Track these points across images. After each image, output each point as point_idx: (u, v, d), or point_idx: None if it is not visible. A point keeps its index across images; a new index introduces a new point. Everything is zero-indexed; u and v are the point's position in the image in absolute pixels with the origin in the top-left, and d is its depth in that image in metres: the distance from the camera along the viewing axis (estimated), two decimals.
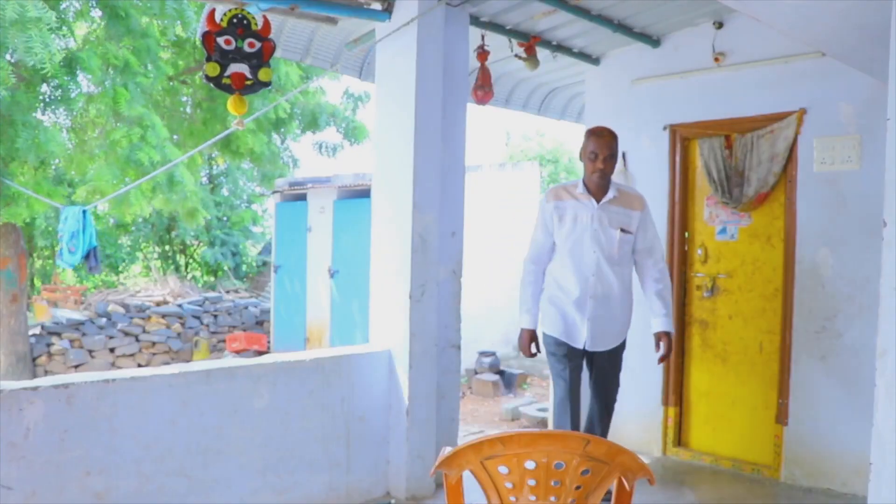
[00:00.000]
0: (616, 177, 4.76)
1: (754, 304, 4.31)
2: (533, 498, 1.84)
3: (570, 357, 3.38)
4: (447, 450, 1.91)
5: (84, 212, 6.36)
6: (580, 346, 3.37)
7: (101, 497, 2.70)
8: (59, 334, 9.58)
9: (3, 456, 2.48)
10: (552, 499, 1.83)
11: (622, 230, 3.35)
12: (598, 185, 3.36)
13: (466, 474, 1.93)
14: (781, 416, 4.11)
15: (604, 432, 3.44)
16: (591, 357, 3.43)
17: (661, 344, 3.42)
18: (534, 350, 3.39)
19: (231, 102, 3.32)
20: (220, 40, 3.17)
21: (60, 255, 6.52)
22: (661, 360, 3.47)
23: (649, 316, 3.45)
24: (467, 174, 4.10)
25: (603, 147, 3.27)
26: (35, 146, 6.80)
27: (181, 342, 10.55)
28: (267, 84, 3.25)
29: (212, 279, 16.64)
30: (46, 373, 9.11)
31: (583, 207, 3.34)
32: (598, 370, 3.46)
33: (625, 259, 3.40)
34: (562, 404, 3.36)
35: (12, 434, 2.51)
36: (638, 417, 4.68)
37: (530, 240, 3.47)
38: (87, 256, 6.36)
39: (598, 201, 3.35)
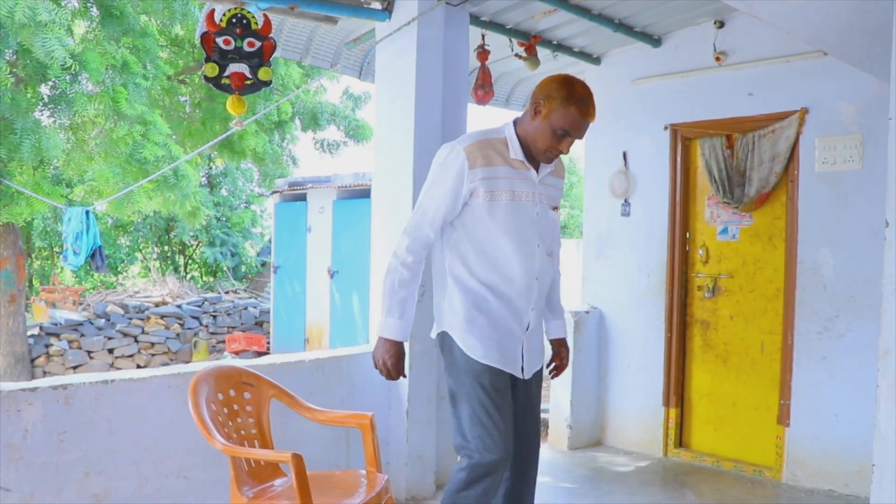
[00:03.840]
0: (616, 177, 4.77)
1: (756, 305, 4.30)
2: None
3: (506, 394, 2.26)
4: None
5: (87, 212, 6.36)
6: (519, 376, 2.31)
7: (99, 498, 2.69)
8: (57, 335, 9.57)
9: (2, 457, 2.47)
10: None
11: (554, 208, 2.45)
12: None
13: None
14: (783, 417, 4.10)
15: None
16: (515, 387, 2.34)
17: (563, 353, 2.59)
18: (398, 370, 2.29)
19: (230, 103, 3.31)
20: (220, 40, 3.16)
21: (65, 257, 6.53)
22: (556, 374, 2.58)
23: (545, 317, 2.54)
24: None
25: (583, 129, 2.26)
26: (37, 149, 6.80)
27: (180, 343, 10.54)
28: (267, 83, 3.24)
29: (211, 280, 16.63)
30: (45, 374, 9.09)
31: (521, 180, 2.28)
32: (527, 401, 2.38)
33: (556, 250, 2.52)
34: (492, 485, 2.20)
35: (11, 435, 2.50)
36: (639, 418, 4.67)
37: (415, 217, 2.29)
38: (91, 256, 6.37)
39: (537, 171, 2.33)
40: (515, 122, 2.31)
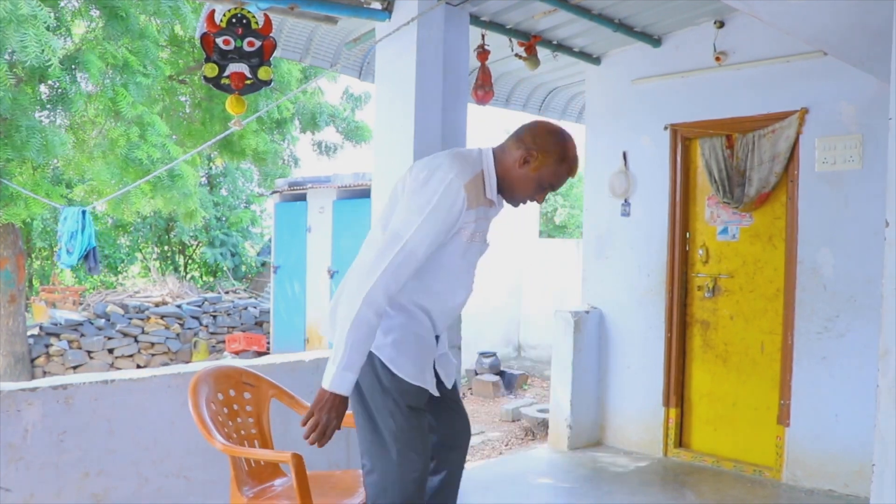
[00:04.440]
0: (616, 177, 4.77)
1: (756, 305, 4.30)
2: None
3: (424, 414, 2.16)
4: None
5: (83, 212, 6.36)
6: (436, 393, 2.18)
7: (99, 498, 2.69)
8: (57, 335, 9.57)
9: (2, 457, 2.47)
10: None
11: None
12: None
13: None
14: (783, 417, 4.09)
15: None
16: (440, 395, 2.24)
17: None
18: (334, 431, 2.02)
19: (229, 102, 3.31)
20: (219, 41, 3.16)
21: (59, 256, 6.53)
22: None
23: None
24: None
25: (564, 184, 2.18)
26: (45, 149, 6.79)
27: (180, 343, 10.54)
28: (267, 83, 3.24)
29: (211, 280, 16.64)
30: (45, 374, 9.09)
31: (485, 220, 2.14)
32: (453, 396, 2.32)
33: None
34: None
35: (11, 435, 2.50)
36: (639, 418, 4.67)
37: (400, 255, 1.94)
38: (85, 257, 6.36)
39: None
40: (494, 154, 2.11)
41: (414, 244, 1.94)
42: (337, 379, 1.92)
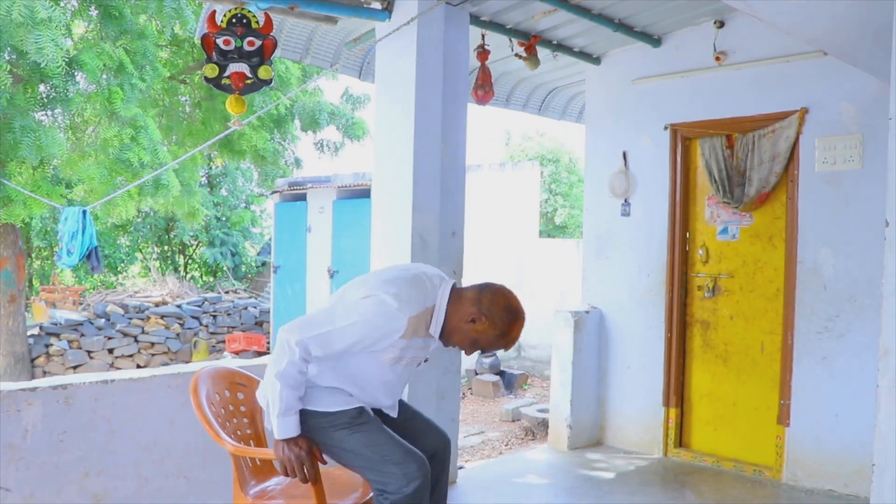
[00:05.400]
0: (616, 177, 4.77)
1: (756, 305, 4.30)
2: None
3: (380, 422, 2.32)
4: None
5: (84, 212, 6.36)
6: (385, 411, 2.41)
7: (99, 498, 2.69)
8: (57, 335, 9.57)
9: (2, 457, 2.47)
10: None
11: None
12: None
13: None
14: (783, 417, 4.09)
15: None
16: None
17: None
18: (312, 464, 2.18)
19: (229, 102, 3.31)
20: (220, 41, 3.16)
21: (59, 256, 6.52)
22: None
23: None
24: (467, 174, 4.08)
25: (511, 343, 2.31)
26: (37, 148, 6.80)
27: (180, 343, 10.54)
28: (268, 82, 3.24)
29: (211, 279, 16.64)
30: (45, 374, 9.10)
31: (422, 349, 2.31)
32: (405, 410, 2.50)
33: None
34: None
35: (11, 435, 2.50)
36: (639, 418, 4.67)
37: (325, 336, 2.13)
38: (87, 256, 6.36)
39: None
40: (452, 292, 2.25)
41: (340, 336, 2.13)
42: (280, 427, 2.13)
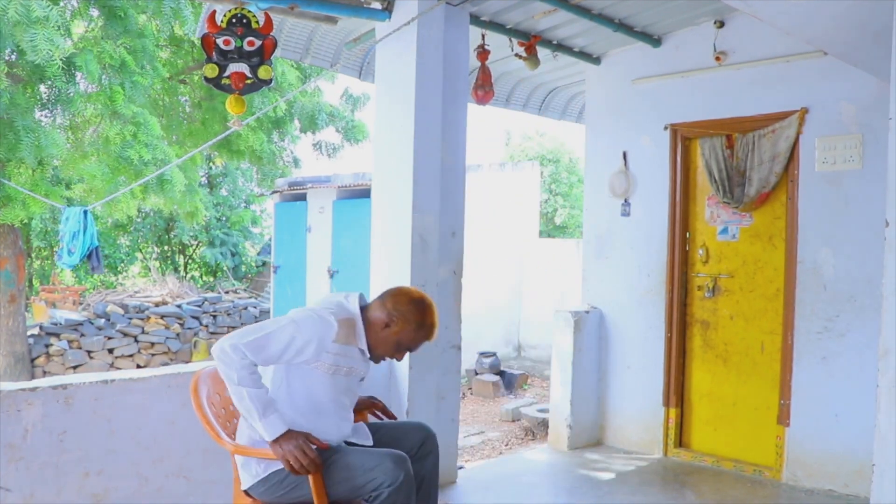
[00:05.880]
0: (616, 177, 4.78)
1: (756, 305, 4.30)
2: None
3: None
4: None
5: (85, 212, 6.36)
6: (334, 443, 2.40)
7: (99, 498, 2.69)
8: (57, 335, 9.57)
9: (2, 457, 2.47)
10: None
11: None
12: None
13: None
14: (783, 417, 4.09)
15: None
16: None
17: (376, 404, 2.73)
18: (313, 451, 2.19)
19: (229, 102, 3.31)
20: (220, 41, 3.16)
21: (60, 256, 6.52)
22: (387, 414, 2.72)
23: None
24: (467, 174, 4.08)
25: (421, 345, 2.44)
26: (36, 149, 6.80)
27: (180, 343, 10.54)
28: (268, 82, 3.24)
29: (211, 279, 16.65)
30: (45, 373, 9.10)
31: (361, 363, 2.42)
32: (391, 435, 2.57)
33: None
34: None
35: (11, 435, 2.50)
36: (639, 418, 4.67)
37: (258, 341, 2.21)
38: (88, 256, 6.36)
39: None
40: (362, 310, 2.38)
41: (267, 340, 2.22)
42: (267, 428, 2.18)
